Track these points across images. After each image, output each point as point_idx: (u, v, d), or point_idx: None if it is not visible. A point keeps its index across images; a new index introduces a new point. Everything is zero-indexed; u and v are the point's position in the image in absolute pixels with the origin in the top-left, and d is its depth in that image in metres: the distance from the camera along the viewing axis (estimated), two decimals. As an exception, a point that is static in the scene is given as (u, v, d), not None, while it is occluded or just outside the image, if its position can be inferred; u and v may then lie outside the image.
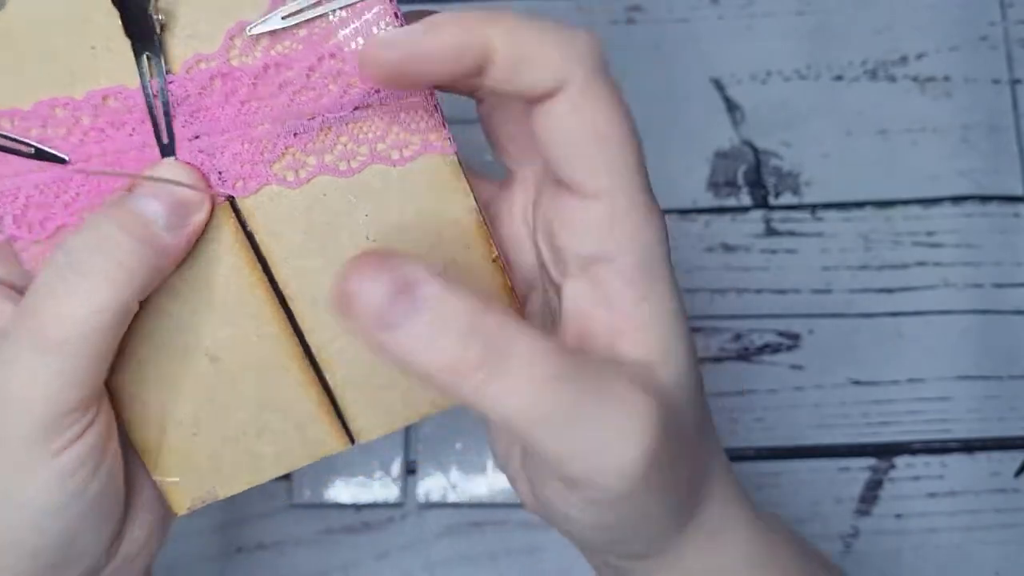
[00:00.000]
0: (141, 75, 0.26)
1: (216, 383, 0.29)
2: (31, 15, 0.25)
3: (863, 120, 0.52)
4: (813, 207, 0.51)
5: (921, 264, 0.51)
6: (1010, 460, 0.49)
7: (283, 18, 0.26)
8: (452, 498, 0.48)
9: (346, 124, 0.27)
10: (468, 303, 0.22)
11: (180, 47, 0.26)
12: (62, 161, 0.27)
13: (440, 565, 0.48)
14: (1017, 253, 0.51)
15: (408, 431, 0.49)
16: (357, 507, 0.48)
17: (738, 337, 0.50)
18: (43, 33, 0.26)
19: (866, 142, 0.52)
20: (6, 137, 0.26)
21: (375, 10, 0.26)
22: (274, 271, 0.28)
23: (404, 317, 0.22)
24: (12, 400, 0.25)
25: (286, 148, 0.27)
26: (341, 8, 0.26)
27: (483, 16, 0.24)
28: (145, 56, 0.26)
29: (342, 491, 0.48)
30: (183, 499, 0.30)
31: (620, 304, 0.25)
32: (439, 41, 0.23)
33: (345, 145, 0.27)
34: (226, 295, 0.28)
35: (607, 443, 0.23)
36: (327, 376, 0.29)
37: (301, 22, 0.26)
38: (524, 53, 0.23)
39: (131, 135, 0.27)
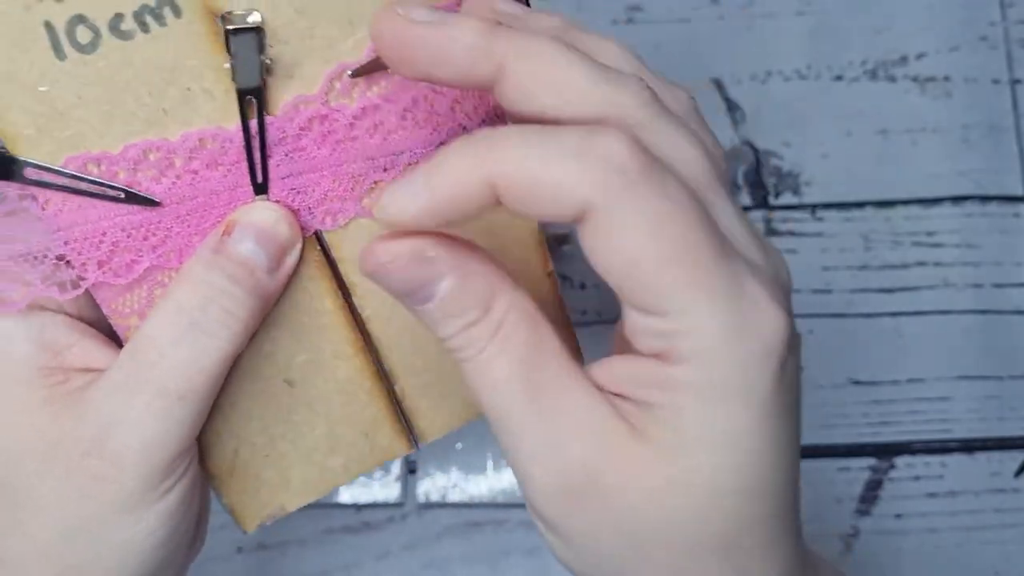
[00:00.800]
0: (243, 117, 0.26)
1: (292, 406, 0.29)
2: (126, 58, 0.25)
3: (863, 120, 0.52)
4: (813, 207, 0.51)
5: (921, 264, 0.51)
6: (1010, 460, 0.49)
7: (381, 62, 0.25)
8: (452, 498, 0.48)
9: None
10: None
11: (280, 89, 0.26)
12: (153, 204, 0.26)
13: (441, 565, 0.48)
14: (1017, 253, 0.51)
15: (408, 431, 0.49)
16: (357, 507, 0.48)
17: (738, 337, 0.50)
18: (137, 75, 0.25)
19: (866, 142, 0.52)
20: (95, 182, 0.25)
21: None
22: (352, 294, 0.29)
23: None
24: (129, 449, 0.25)
25: (375, 183, 0.27)
26: None
27: (485, 145, 0.22)
28: (247, 98, 0.26)
29: (342, 491, 0.48)
30: (252, 518, 0.30)
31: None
32: (444, 190, 0.22)
33: None
34: (306, 322, 0.29)
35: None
36: (396, 387, 0.30)
37: None
38: (533, 184, 0.21)
39: (225, 176, 0.26)
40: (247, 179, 0.26)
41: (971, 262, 0.51)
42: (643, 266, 0.21)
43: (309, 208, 0.27)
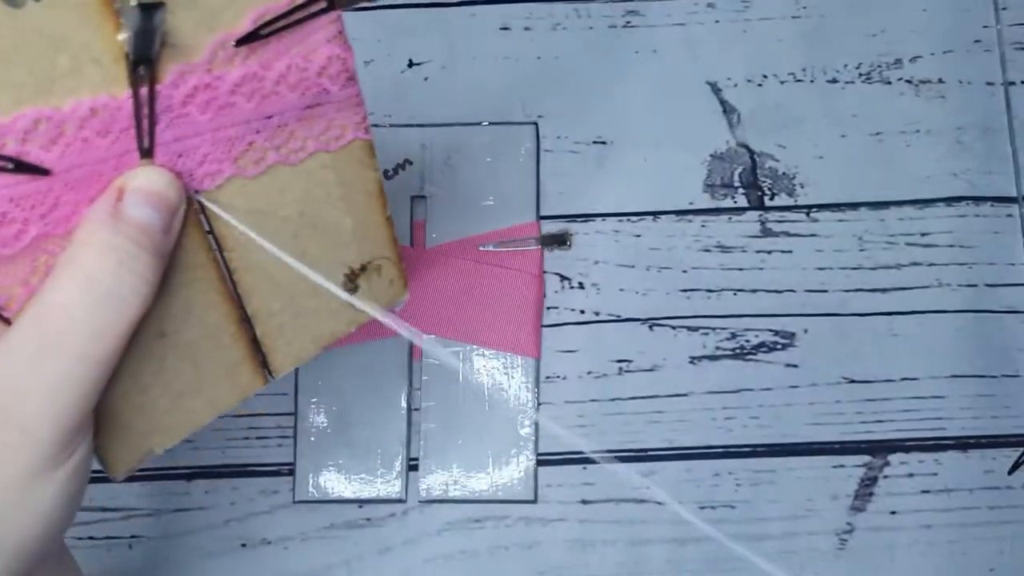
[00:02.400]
0: (133, 86, 0.26)
1: (163, 356, 0.30)
2: (17, 25, 0.24)
3: (858, 122, 0.53)
4: (808, 208, 0.52)
5: (915, 264, 0.51)
6: (1003, 458, 0.49)
7: (262, 32, 0.28)
8: (453, 494, 0.48)
9: (299, 121, 0.30)
10: None
11: (165, 57, 0.27)
12: (44, 173, 0.26)
13: (441, 560, 0.49)
14: (1010, 253, 0.51)
15: (410, 428, 0.49)
16: (359, 503, 0.49)
17: (734, 336, 0.51)
18: (28, 43, 0.24)
19: (861, 144, 0.52)
20: None
21: (329, 28, 0.29)
22: (223, 248, 0.31)
23: None
24: (42, 416, 0.25)
25: (249, 144, 0.30)
26: (309, 21, 0.29)
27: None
28: (138, 68, 0.26)
29: (344, 487, 0.49)
30: (122, 465, 0.31)
31: None
32: None
33: (296, 138, 0.31)
34: (182, 275, 0.30)
35: None
36: (256, 330, 0.33)
37: (275, 34, 0.28)
38: None
39: (113, 143, 0.27)
40: (134, 145, 0.27)
41: (964, 262, 0.51)
42: None
43: (190, 171, 0.29)
